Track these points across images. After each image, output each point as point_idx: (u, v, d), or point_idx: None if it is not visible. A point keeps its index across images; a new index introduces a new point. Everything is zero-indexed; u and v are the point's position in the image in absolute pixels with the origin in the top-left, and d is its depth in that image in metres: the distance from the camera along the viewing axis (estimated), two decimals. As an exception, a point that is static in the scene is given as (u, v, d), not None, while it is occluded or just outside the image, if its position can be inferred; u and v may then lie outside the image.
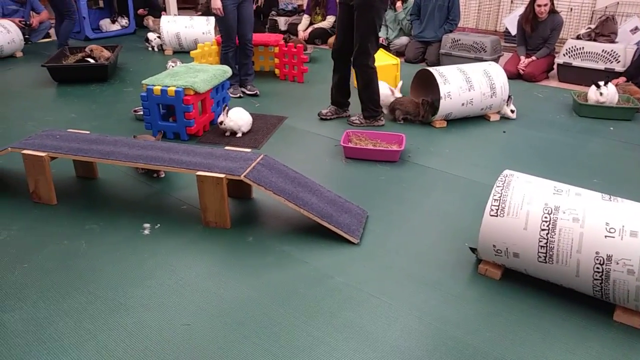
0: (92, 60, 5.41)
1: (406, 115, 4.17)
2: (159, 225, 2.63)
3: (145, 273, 2.26)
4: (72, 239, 2.51)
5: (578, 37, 5.57)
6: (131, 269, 2.28)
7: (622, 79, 4.83)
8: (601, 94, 4.26)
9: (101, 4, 8.05)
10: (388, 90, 4.31)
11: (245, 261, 2.36)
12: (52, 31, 7.69)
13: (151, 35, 6.98)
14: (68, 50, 5.68)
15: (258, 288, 2.17)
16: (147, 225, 2.62)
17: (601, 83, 4.27)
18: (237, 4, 4.51)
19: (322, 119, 4.24)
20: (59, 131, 3.06)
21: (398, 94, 4.29)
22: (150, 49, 6.95)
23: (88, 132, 3.10)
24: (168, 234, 2.56)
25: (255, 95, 4.90)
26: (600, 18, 5.61)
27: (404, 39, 6.63)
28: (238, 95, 4.82)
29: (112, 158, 2.68)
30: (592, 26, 5.63)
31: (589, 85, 4.43)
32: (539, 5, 5.32)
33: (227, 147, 2.91)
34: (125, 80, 5.45)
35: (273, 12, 7.76)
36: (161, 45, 6.83)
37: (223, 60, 4.72)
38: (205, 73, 3.87)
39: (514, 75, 5.46)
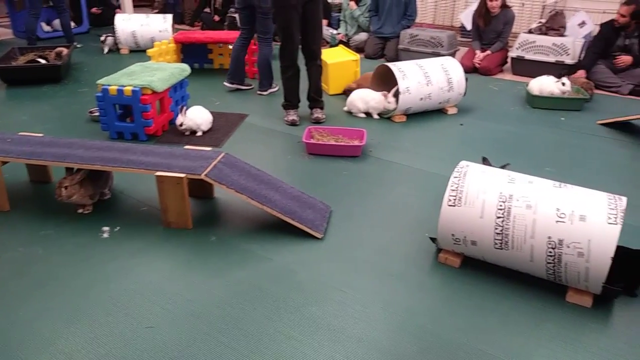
0: (43, 61, 5.23)
1: None
2: (118, 228, 2.58)
3: (106, 277, 2.21)
4: (27, 245, 2.43)
5: (530, 32, 5.76)
6: (91, 274, 2.23)
7: (581, 72, 5.03)
8: (563, 84, 4.45)
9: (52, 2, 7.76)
10: (380, 95, 4.15)
11: (208, 261, 2.34)
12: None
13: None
14: (18, 50, 5.47)
15: (222, 287, 2.16)
16: (106, 228, 2.56)
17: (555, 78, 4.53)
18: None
19: (295, 125, 4.06)
20: (10, 134, 2.94)
21: (391, 98, 4.09)
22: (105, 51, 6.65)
23: (41, 134, 3.00)
24: (128, 236, 2.51)
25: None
26: (550, 13, 5.82)
27: (363, 35, 6.69)
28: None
29: (68, 161, 2.60)
30: (543, 20, 5.84)
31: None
32: (492, 1, 5.48)
33: (186, 146, 2.88)
34: (79, 80, 5.29)
35: (231, 9, 7.68)
36: (116, 45, 6.64)
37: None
38: (163, 72, 3.81)
39: (470, 69, 5.60)
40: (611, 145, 3.73)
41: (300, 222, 2.51)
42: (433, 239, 2.41)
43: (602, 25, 5.19)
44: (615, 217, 1.93)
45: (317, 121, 4.08)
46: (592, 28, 5.95)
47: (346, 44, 6.61)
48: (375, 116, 4.25)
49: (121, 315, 1.99)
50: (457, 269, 2.29)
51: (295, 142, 3.69)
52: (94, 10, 8.12)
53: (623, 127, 4.05)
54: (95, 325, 1.94)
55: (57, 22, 7.42)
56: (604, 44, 5.05)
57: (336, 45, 6.43)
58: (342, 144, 3.53)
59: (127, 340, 1.87)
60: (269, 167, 2.95)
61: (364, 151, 3.52)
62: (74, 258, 2.34)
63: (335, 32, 6.88)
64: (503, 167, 2.78)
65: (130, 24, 6.55)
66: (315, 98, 4.15)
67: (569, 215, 1.98)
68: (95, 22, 8.07)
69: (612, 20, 5.01)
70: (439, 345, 1.87)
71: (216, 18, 7.86)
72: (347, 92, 4.65)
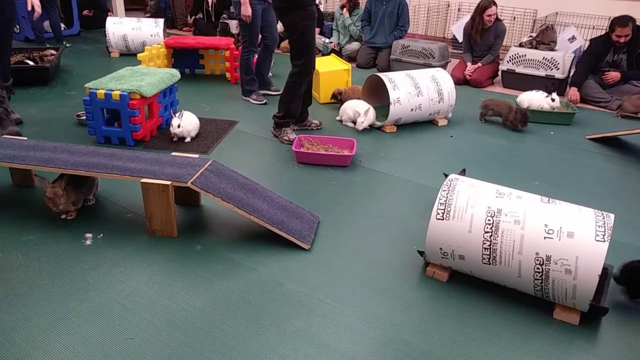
0: (31, 63, 5.16)
1: (495, 115, 4.44)
2: (102, 235, 2.53)
3: (87, 285, 2.16)
4: (7, 251, 2.37)
5: (520, 45, 5.81)
6: (72, 282, 2.18)
7: (573, 90, 5.07)
8: (553, 99, 4.47)
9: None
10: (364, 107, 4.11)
11: (193, 270, 2.30)
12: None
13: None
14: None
15: (206, 298, 2.12)
16: (89, 235, 2.51)
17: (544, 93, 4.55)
18: (263, 9, 4.45)
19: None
20: (-7, 137, 2.89)
21: (363, 117, 4.05)
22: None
23: (26, 138, 2.95)
24: (112, 244, 2.46)
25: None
26: (540, 27, 5.87)
27: (355, 45, 6.70)
28: (264, 101, 4.76)
29: (51, 165, 2.55)
30: (534, 34, 5.89)
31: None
32: (489, 15, 5.52)
33: (174, 153, 2.84)
34: (68, 83, 5.23)
35: (224, 16, 7.67)
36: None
37: (245, 66, 4.66)
38: (152, 76, 3.77)
39: (461, 81, 5.63)
40: (599, 161, 3.75)
41: (287, 232, 2.47)
42: (421, 253, 2.39)
43: (592, 40, 5.24)
44: (603, 235, 1.92)
45: (318, 127, 4.13)
46: (582, 43, 6.02)
47: (338, 53, 6.63)
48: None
49: (100, 325, 1.94)
50: (444, 283, 2.26)
51: (285, 150, 3.66)
52: (85, 12, 8.08)
53: (611, 142, 4.08)
54: (73, 335, 1.88)
55: (47, 24, 7.36)
56: (593, 59, 5.09)
57: (328, 54, 6.43)
58: (331, 153, 3.51)
59: (105, 351, 1.82)
60: (257, 176, 2.92)
61: (353, 161, 3.50)
62: (54, 265, 2.28)
63: (327, 40, 6.89)
64: (461, 172, 2.93)
65: (121, 27, 6.51)
66: (307, 106, 4.15)
67: (557, 232, 1.97)
68: (86, 24, 8.02)
69: (602, 36, 5.06)
70: (425, 361, 1.84)
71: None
72: (335, 96, 4.70)
